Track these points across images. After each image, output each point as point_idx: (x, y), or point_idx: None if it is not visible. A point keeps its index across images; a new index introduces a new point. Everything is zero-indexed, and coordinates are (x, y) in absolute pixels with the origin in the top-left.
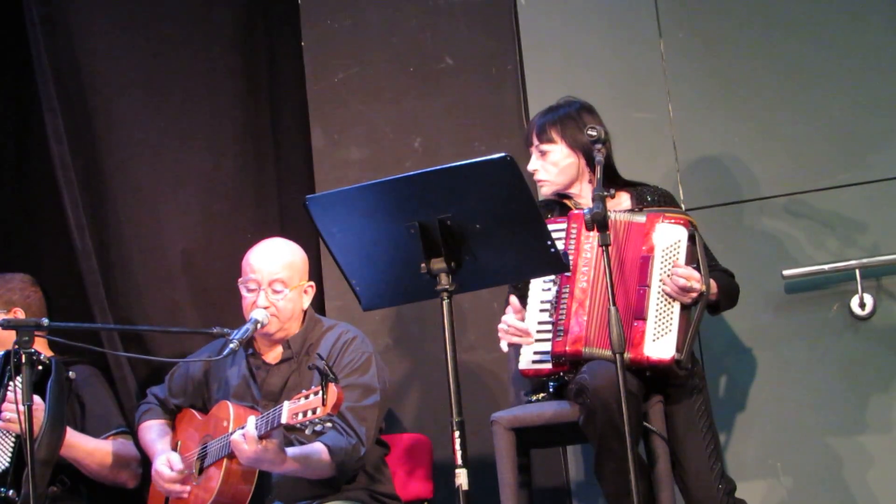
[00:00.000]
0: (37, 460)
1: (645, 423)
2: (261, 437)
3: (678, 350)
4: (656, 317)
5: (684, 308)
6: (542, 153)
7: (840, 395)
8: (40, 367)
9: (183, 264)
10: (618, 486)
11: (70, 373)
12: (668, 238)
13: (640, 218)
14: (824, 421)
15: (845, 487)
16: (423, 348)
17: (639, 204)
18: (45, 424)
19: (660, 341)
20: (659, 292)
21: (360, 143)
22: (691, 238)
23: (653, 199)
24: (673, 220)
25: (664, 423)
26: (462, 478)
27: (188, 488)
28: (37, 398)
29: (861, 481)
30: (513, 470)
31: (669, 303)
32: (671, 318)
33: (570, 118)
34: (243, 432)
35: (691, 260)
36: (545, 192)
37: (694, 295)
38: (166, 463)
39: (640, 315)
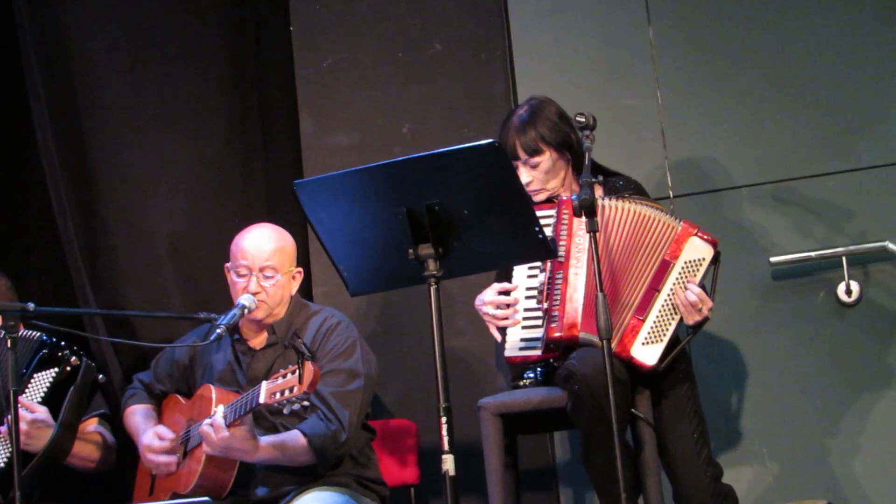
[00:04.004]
0: (37, 469)
1: (632, 410)
2: (230, 426)
3: (660, 361)
4: (655, 322)
5: (681, 324)
6: (533, 167)
7: (826, 381)
8: (68, 369)
9: (169, 249)
10: (604, 472)
11: (101, 376)
12: (695, 253)
13: (677, 224)
14: (811, 407)
15: (831, 473)
16: (410, 334)
17: (609, 194)
18: (54, 437)
19: (649, 346)
20: (666, 300)
21: (348, 129)
22: (715, 260)
23: (624, 189)
24: (706, 238)
25: (651, 409)
26: (449, 463)
27: (175, 458)
28: (45, 413)
29: (846, 467)
30: (500, 455)
31: (672, 315)
32: (668, 329)
33: (544, 118)
34: (211, 421)
35: (705, 281)
36: (540, 199)
37: (697, 318)
38: (155, 436)
39: (642, 314)
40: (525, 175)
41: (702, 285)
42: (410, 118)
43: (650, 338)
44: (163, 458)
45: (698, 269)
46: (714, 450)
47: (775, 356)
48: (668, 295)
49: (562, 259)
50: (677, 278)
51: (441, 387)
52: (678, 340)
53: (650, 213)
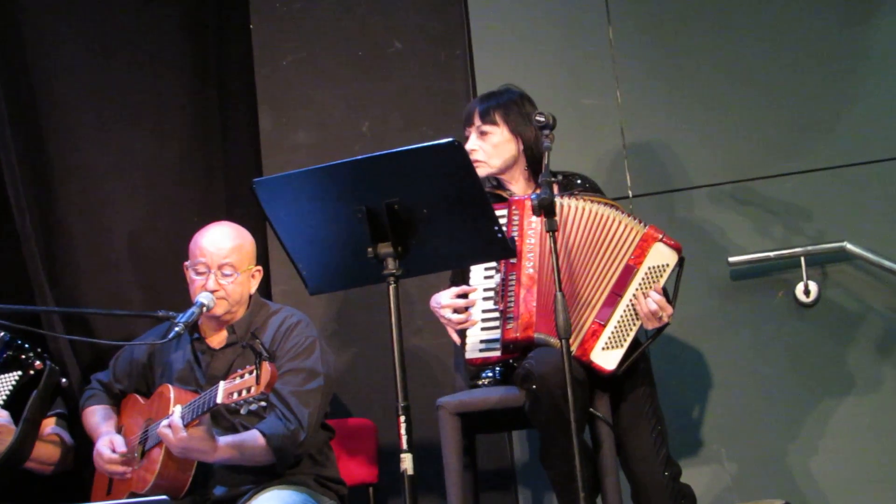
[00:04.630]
0: None
1: (590, 409)
2: (187, 426)
3: (619, 366)
4: (616, 327)
5: (641, 330)
6: (483, 134)
7: (784, 381)
8: (32, 373)
9: (128, 247)
10: (563, 471)
11: (63, 380)
12: (660, 259)
13: (640, 227)
14: (769, 407)
15: (788, 473)
16: (369, 333)
17: (564, 191)
18: (15, 440)
19: (609, 352)
20: (628, 306)
21: (308, 127)
22: (679, 264)
23: (579, 185)
24: (671, 244)
25: (609, 409)
26: (407, 462)
27: (130, 469)
28: (6, 417)
29: (803, 467)
30: (458, 455)
31: (634, 320)
32: (628, 335)
33: (514, 104)
34: (169, 422)
35: (667, 286)
36: (479, 173)
37: (657, 324)
38: (108, 444)
39: (603, 319)
40: (473, 142)
41: (664, 289)
42: (370, 116)
43: (610, 343)
44: (117, 469)
45: (662, 275)
46: (672, 449)
47: (733, 356)
48: (631, 300)
49: (514, 260)
50: (640, 284)
51: (400, 386)
52: (638, 343)
53: (609, 212)
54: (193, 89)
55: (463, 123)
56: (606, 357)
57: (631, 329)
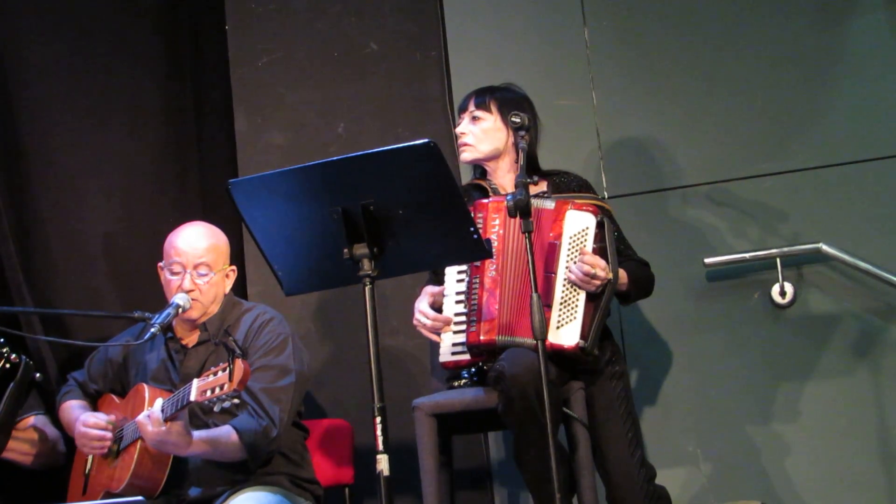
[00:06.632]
0: None
1: (565, 409)
2: (167, 420)
3: (583, 337)
4: (561, 304)
5: (591, 296)
6: (475, 118)
7: (759, 382)
8: (7, 366)
9: (104, 248)
10: (537, 472)
11: (37, 374)
12: (577, 225)
13: (549, 204)
14: (744, 408)
15: (763, 474)
16: (345, 334)
17: (556, 191)
18: None
19: (564, 329)
20: (565, 279)
21: (283, 128)
22: (599, 225)
23: (570, 186)
24: (581, 207)
25: (585, 410)
26: (383, 463)
27: (109, 435)
28: None
29: (779, 468)
30: (434, 456)
31: (576, 290)
32: (577, 306)
33: (511, 99)
34: (149, 413)
35: (599, 247)
36: (465, 157)
37: (597, 283)
38: (92, 414)
39: (546, 302)
40: (464, 126)
41: (604, 254)
42: (346, 118)
43: (562, 320)
44: (96, 432)
45: (584, 240)
46: (647, 451)
47: (709, 357)
48: (565, 274)
49: (478, 263)
50: (568, 255)
51: (376, 387)
52: (594, 316)
53: (560, 208)
54: (169, 90)
55: (458, 111)
56: (565, 334)
57: (576, 300)
